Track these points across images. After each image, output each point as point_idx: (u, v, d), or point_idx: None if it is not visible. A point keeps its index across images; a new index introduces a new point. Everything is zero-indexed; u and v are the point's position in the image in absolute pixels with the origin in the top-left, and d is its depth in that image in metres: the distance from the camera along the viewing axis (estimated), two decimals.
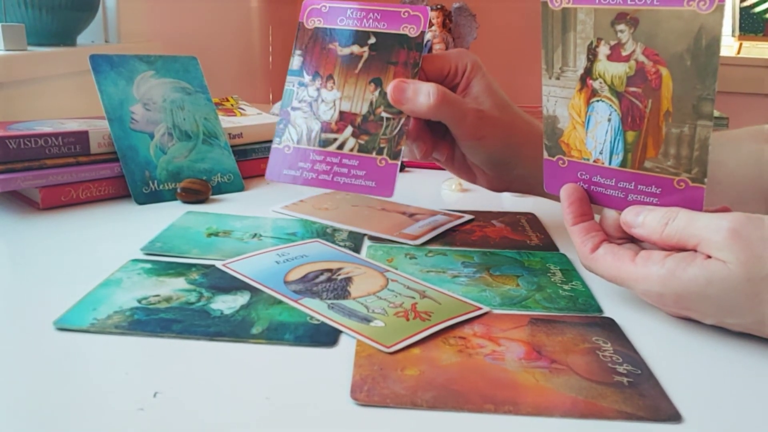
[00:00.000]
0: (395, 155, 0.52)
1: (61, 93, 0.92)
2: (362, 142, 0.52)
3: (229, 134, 0.73)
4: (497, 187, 0.58)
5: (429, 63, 0.53)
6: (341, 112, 0.53)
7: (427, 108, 0.50)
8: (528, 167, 0.55)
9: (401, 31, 0.52)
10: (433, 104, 0.50)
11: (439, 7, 0.80)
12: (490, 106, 0.53)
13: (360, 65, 0.53)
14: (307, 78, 0.53)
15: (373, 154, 0.52)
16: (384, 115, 0.52)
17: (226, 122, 0.76)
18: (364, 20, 0.53)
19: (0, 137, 0.58)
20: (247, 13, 1.82)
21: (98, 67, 0.67)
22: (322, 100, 0.53)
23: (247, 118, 0.80)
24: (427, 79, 0.52)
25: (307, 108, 0.53)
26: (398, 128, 0.52)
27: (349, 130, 0.52)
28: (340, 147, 0.52)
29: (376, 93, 0.52)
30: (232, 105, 0.87)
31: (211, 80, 0.76)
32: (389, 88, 0.51)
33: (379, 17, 0.52)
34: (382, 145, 0.52)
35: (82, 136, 0.63)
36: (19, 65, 0.83)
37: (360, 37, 0.53)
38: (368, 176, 0.52)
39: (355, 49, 0.53)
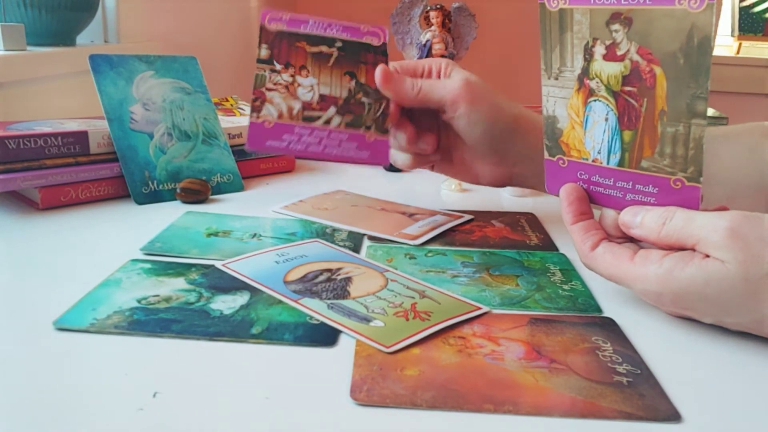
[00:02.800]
0: (384, 131, 0.55)
1: (60, 93, 0.92)
2: (348, 120, 0.55)
3: (229, 134, 0.73)
4: (499, 177, 0.58)
5: (401, 69, 0.56)
6: (321, 95, 0.55)
7: (414, 95, 0.54)
8: (528, 146, 0.55)
9: (364, 41, 0.55)
10: (417, 90, 0.54)
11: (438, 6, 0.80)
12: (475, 81, 0.56)
13: (332, 61, 0.55)
14: (278, 66, 0.55)
15: (362, 131, 0.55)
16: (364, 100, 0.55)
17: (226, 122, 0.76)
18: (327, 29, 0.55)
19: (0, 137, 0.58)
20: (247, 13, 1.82)
21: (98, 67, 0.67)
22: (299, 84, 0.54)
23: (247, 118, 0.80)
24: None
25: (283, 90, 0.55)
26: (380, 111, 0.55)
27: (333, 109, 0.55)
28: (326, 123, 0.55)
29: (353, 83, 0.55)
30: (231, 105, 0.87)
31: (211, 80, 0.76)
32: (377, 74, 0.54)
33: (340, 29, 0.55)
34: (368, 124, 0.55)
35: (82, 136, 0.63)
36: (18, 65, 0.83)
37: (327, 40, 0.55)
38: (361, 147, 0.55)
39: (324, 48, 0.55)
